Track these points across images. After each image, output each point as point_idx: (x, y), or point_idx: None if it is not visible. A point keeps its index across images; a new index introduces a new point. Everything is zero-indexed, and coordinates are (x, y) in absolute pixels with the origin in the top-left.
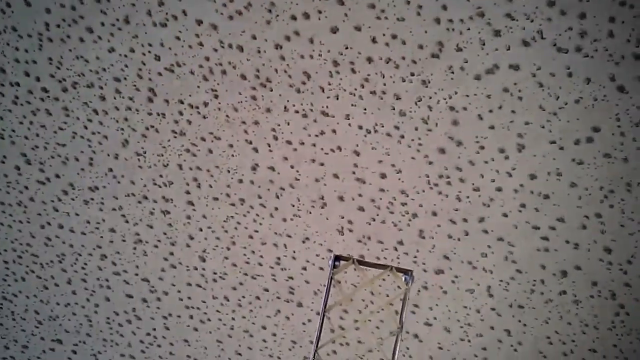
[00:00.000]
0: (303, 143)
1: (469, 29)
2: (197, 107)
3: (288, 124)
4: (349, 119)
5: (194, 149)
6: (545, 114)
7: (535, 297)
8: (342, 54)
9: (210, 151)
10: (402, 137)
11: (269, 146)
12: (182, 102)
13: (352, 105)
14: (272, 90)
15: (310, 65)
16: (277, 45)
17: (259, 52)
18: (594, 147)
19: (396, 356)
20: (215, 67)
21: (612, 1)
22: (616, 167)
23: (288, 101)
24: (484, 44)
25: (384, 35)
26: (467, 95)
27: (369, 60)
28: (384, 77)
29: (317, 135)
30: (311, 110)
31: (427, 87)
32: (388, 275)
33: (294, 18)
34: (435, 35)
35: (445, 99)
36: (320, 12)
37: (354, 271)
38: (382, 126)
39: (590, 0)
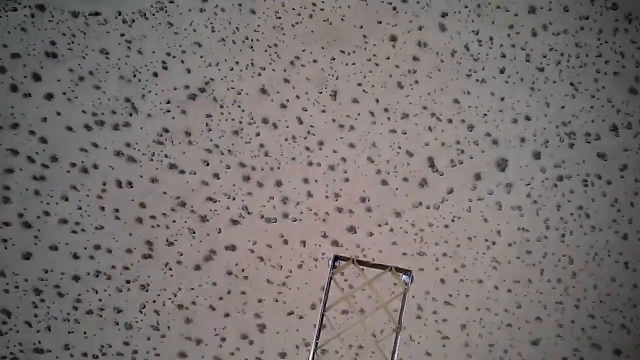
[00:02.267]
0: None
1: (174, 222)
2: None
3: None
4: (69, 349)
5: None
6: (275, 287)
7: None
8: (43, 280)
9: None
10: (136, 352)
11: None
12: None
13: (70, 332)
14: None
15: (8, 301)
16: None
17: None
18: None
19: (396, 356)
20: None
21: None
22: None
23: None
24: (194, 233)
25: (85, 248)
26: (193, 289)
27: (76, 278)
28: (97, 292)
29: None
30: (22, 351)
31: (147, 291)
32: (388, 276)
33: None
34: (141, 236)
35: (171, 299)
36: (5, 240)
37: (354, 271)
38: (110, 347)
39: (283, 173)
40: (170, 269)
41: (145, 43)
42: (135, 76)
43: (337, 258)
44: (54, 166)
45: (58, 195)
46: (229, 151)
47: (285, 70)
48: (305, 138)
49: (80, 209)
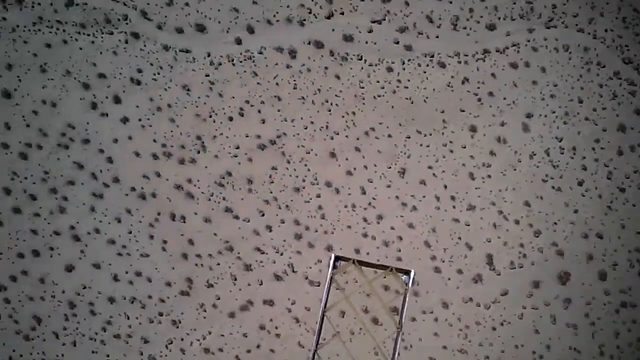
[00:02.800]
0: None
1: (218, 264)
2: None
3: None
4: None
5: None
6: (305, 351)
7: None
8: (79, 294)
9: None
10: None
11: None
12: None
13: (93, 352)
14: None
15: (41, 308)
16: (1, 286)
17: None
18: None
19: (396, 356)
20: None
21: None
22: None
23: (14, 351)
24: (235, 280)
25: (126, 272)
26: (222, 335)
27: (111, 300)
28: (129, 318)
29: None
30: None
31: (178, 327)
32: (388, 276)
33: (21, 256)
34: (183, 272)
35: (199, 340)
36: (52, 248)
37: (354, 272)
38: None
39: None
40: (205, 310)
41: (227, 87)
42: (210, 116)
43: (337, 258)
44: (114, 187)
45: (112, 215)
46: (287, 206)
47: (357, 139)
48: (365, 209)
49: (130, 232)
